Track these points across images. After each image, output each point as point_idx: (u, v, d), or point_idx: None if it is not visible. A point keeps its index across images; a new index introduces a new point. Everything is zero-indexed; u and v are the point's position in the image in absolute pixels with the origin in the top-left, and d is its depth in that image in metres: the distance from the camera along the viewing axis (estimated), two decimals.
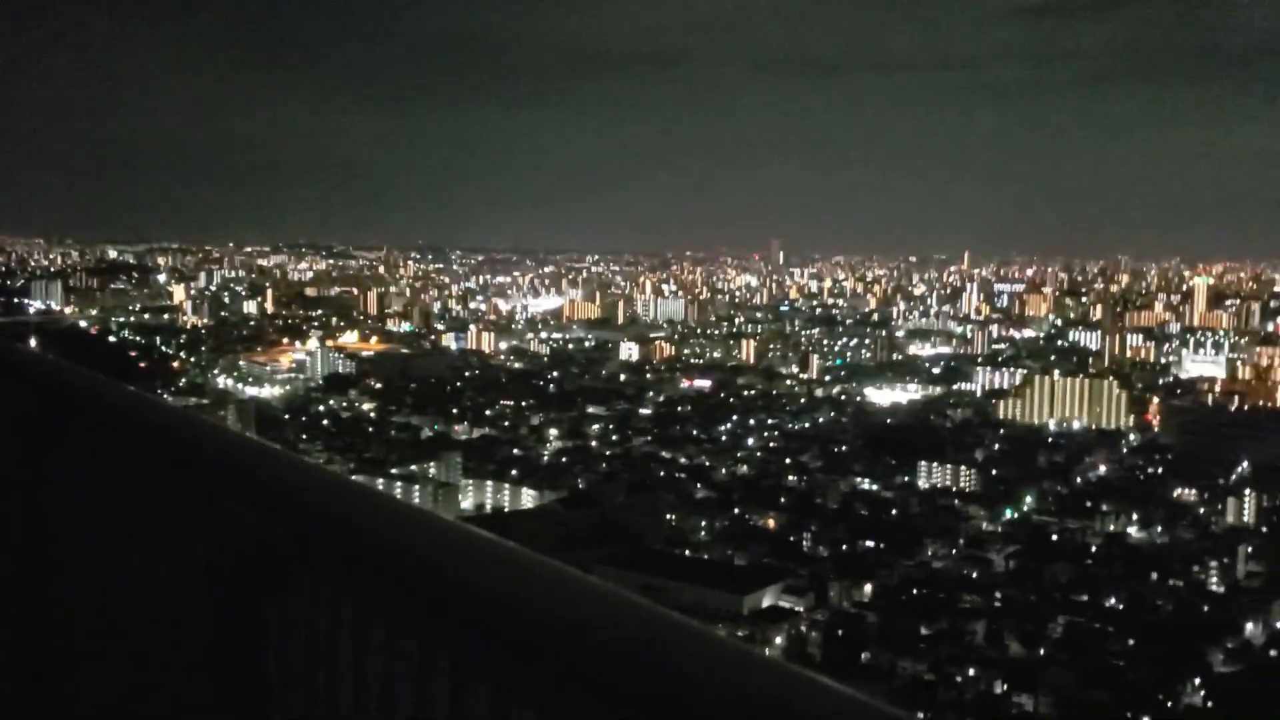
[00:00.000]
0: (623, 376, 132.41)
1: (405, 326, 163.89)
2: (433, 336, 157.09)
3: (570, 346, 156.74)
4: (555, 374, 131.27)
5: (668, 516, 78.73)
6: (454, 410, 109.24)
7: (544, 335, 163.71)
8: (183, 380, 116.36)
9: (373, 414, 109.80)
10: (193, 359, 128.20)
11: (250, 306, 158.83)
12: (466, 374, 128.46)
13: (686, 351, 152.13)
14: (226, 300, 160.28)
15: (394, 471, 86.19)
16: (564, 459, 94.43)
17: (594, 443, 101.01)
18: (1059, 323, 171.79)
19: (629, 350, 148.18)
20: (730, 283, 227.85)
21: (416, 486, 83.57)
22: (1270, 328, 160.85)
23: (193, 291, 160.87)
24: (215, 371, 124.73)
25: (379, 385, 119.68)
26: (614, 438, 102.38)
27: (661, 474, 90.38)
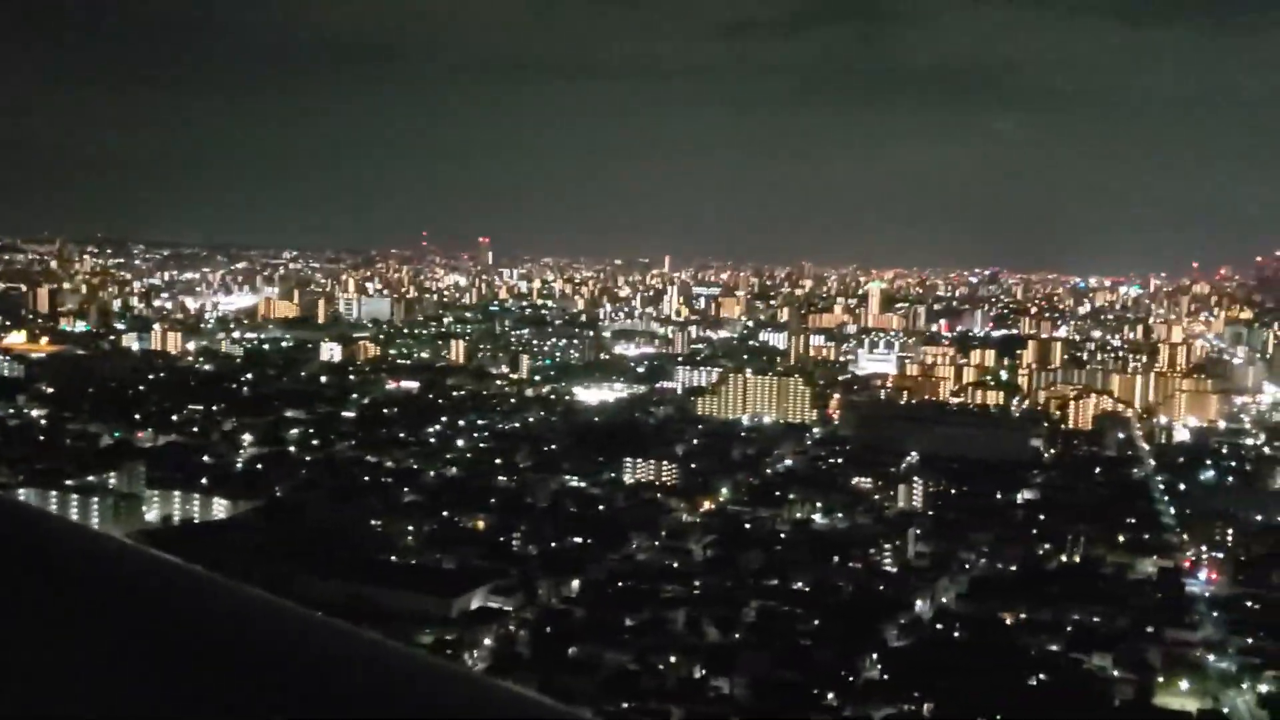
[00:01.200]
0: (324, 378, 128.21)
1: (81, 326, 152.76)
2: (112, 337, 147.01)
3: (266, 347, 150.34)
4: (249, 376, 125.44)
5: (374, 522, 76.83)
6: (136, 416, 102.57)
7: (237, 335, 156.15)
8: None
9: (45, 421, 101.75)
10: None
11: None
12: (150, 377, 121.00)
13: (393, 352, 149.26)
14: None
15: (69, 483, 79.40)
16: (260, 466, 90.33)
17: (293, 448, 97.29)
18: (751, 324, 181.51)
19: (331, 351, 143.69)
20: (439, 282, 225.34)
21: (95, 499, 77.35)
22: (934, 329, 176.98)
23: None
24: None
25: (51, 390, 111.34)
26: (315, 442, 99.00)
27: (366, 479, 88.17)
